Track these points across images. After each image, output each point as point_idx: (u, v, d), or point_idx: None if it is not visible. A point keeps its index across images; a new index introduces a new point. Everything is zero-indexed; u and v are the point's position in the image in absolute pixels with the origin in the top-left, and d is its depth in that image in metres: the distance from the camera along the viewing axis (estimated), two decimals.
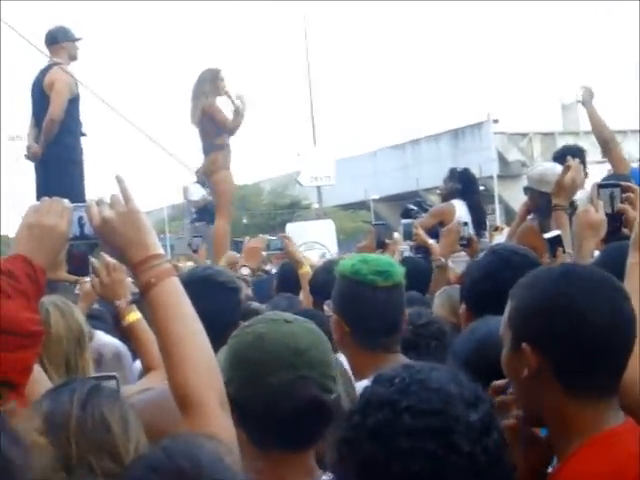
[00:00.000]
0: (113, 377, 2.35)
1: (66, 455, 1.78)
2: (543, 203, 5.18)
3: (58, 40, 8.22)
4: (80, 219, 2.22)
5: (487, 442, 1.62)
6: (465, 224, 6.04)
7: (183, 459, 1.43)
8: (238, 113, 9.76)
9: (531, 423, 2.02)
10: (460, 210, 6.99)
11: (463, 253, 6.51)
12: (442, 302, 4.37)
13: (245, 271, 5.33)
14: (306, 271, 5.56)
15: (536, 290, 2.01)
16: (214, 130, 9.71)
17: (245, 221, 35.42)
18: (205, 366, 2.04)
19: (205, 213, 10.45)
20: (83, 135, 8.39)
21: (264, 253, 6.12)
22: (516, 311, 2.01)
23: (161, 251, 2.14)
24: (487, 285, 3.07)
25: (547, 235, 3.51)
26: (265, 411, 2.11)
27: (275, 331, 2.19)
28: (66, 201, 2.22)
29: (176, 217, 38.30)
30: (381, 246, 5.75)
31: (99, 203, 2.15)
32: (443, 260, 5.48)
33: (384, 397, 1.64)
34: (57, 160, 7.90)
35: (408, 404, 1.60)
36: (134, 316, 3.57)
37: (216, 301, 3.21)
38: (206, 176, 10.01)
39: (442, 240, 5.77)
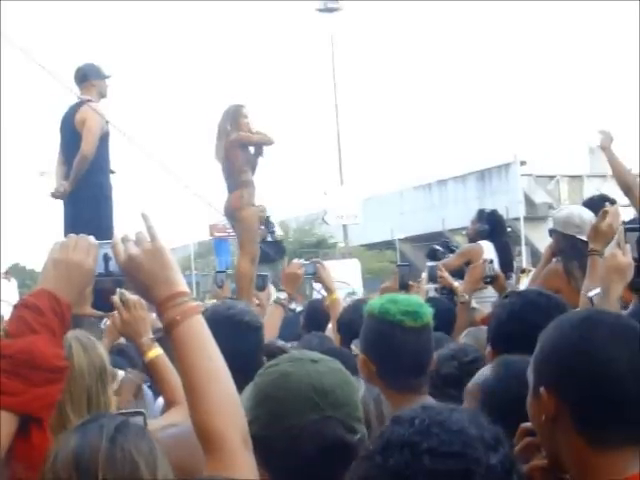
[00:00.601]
0: (140, 413, 2.36)
1: None
2: (567, 246, 5.17)
3: (89, 78, 8.26)
4: (105, 256, 2.23)
5: None
6: (491, 261, 6.02)
7: None
8: (259, 152, 9.78)
9: (555, 468, 2.01)
10: (488, 251, 6.97)
11: (489, 292, 6.49)
12: (469, 342, 4.35)
13: (283, 296, 5.31)
14: (335, 298, 5.57)
15: (556, 334, 2.02)
16: (238, 167, 9.73)
17: None
18: (228, 405, 2.04)
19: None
20: (112, 173, 8.43)
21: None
22: (538, 354, 2.02)
23: (186, 289, 2.15)
24: (513, 327, 3.06)
25: (590, 294, 3.46)
26: (288, 451, 2.10)
27: (301, 370, 2.18)
28: (92, 238, 2.23)
29: (202, 254, 38.44)
30: (404, 287, 5.75)
31: (124, 240, 2.16)
32: (467, 297, 5.47)
33: (404, 438, 1.62)
34: (86, 197, 7.92)
35: (428, 446, 1.59)
36: (155, 352, 3.58)
37: (240, 341, 3.21)
38: (231, 213, 10.02)
39: (467, 276, 5.77)
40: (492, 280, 5.86)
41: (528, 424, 2.06)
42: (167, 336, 2.14)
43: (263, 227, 10.08)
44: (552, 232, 5.57)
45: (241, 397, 2.13)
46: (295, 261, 5.87)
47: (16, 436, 2.02)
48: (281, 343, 4.70)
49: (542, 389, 1.93)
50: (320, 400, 2.12)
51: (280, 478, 2.11)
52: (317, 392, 2.13)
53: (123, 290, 3.72)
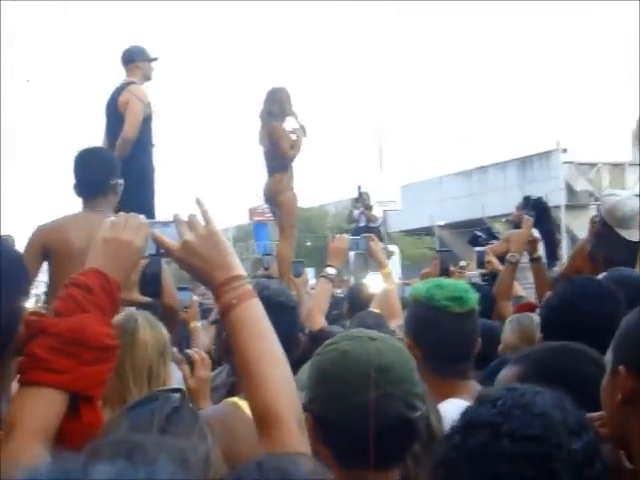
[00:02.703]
0: (179, 390, 2.36)
1: None
2: (603, 233, 5.07)
3: (135, 59, 8.29)
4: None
5: (589, 472, 1.57)
6: (535, 221, 6.03)
7: (277, 476, 1.42)
8: (299, 137, 9.79)
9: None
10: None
11: (531, 281, 6.46)
12: (512, 328, 4.32)
13: (331, 271, 5.29)
14: (388, 272, 5.55)
15: (638, 314, 1.98)
16: (280, 151, 9.74)
17: (309, 243, 35.44)
18: (285, 386, 2.04)
19: None
20: (152, 146, 8.46)
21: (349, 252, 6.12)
22: (619, 334, 1.98)
23: (242, 272, 2.15)
24: (563, 314, 3.04)
25: None
26: (350, 429, 2.12)
27: (359, 348, 2.19)
28: (142, 217, 2.23)
29: (241, 238, 38.54)
30: (445, 273, 5.73)
31: (177, 222, 2.15)
32: (517, 256, 5.46)
33: (485, 419, 1.61)
34: (129, 178, 7.95)
35: (509, 428, 1.57)
36: None
37: (277, 321, 3.19)
38: (271, 196, 10.03)
39: (514, 238, 5.78)
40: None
41: (593, 414, 2.01)
42: (223, 319, 2.15)
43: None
44: (598, 211, 5.47)
45: (298, 377, 2.14)
46: (341, 236, 5.83)
47: (67, 415, 2.03)
48: (329, 328, 4.71)
49: (621, 367, 1.89)
50: (380, 377, 2.13)
51: (342, 456, 2.11)
52: (376, 369, 2.14)
53: (189, 351, 3.82)
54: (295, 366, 3.18)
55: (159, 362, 3.42)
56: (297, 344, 3.25)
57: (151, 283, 4.61)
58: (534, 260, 5.86)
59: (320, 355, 2.27)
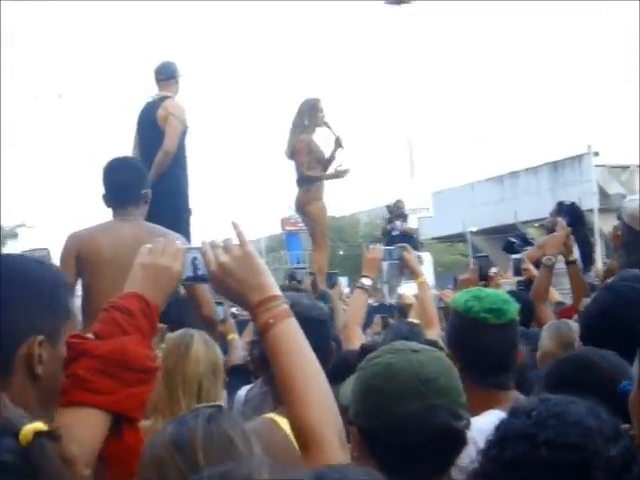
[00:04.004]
0: (218, 406, 2.38)
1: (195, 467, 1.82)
2: (630, 240, 5.00)
3: (175, 75, 8.35)
4: (194, 260, 2.25)
5: (627, 478, 1.58)
6: (569, 225, 6.01)
7: None
8: (338, 144, 9.83)
9: None
10: None
11: (568, 286, 6.42)
12: (550, 335, 4.30)
13: (367, 282, 5.30)
14: (423, 281, 5.55)
15: None
16: (306, 164, 9.79)
17: (341, 252, 35.46)
18: (326, 402, 2.07)
19: None
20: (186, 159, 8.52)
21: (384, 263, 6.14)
22: None
23: (277, 292, 2.18)
24: (603, 321, 3.02)
25: None
26: (396, 441, 2.14)
27: (403, 360, 2.22)
28: (179, 242, 2.28)
29: (273, 248, 38.61)
30: (484, 278, 5.70)
31: (213, 246, 2.18)
32: (553, 259, 5.45)
33: (521, 430, 1.62)
34: (164, 191, 7.99)
35: (546, 437, 1.58)
36: None
37: (309, 336, 3.18)
38: (300, 207, 10.08)
39: (549, 241, 5.76)
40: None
41: (626, 426, 2.01)
42: (261, 339, 2.18)
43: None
44: (619, 219, 5.41)
45: (341, 390, 2.16)
46: (375, 246, 5.84)
47: (109, 436, 2.06)
48: (369, 340, 4.73)
49: None
50: (424, 388, 2.16)
51: (389, 468, 2.12)
52: (421, 381, 2.17)
53: None
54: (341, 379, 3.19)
55: (210, 379, 3.47)
56: (331, 355, 3.27)
57: (176, 309, 4.66)
58: (570, 263, 5.84)
59: (364, 369, 2.30)
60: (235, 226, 2.24)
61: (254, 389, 4.56)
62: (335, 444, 2.01)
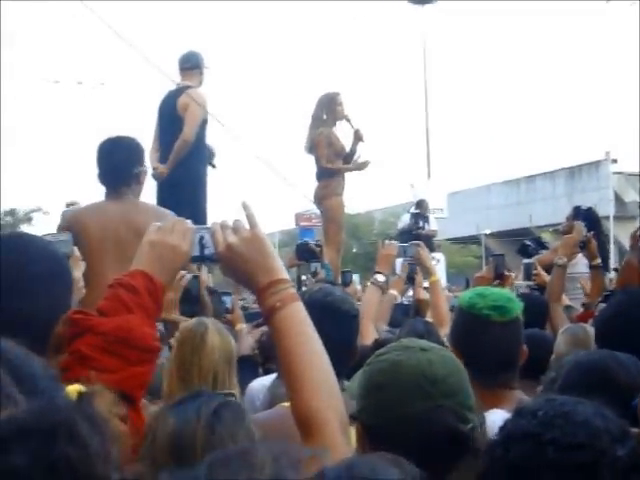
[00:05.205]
0: (231, 394, 2.37)
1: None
2: None
3: (200, 65, 8.36)
4: (201, 239, 2.23)
5: (635, 478, 1.57)
6: (585, 226, 5.99)
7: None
8: (358, 137, 9.80)
9: None
10: None
11: (579, 291, 6.41)
12: (566, 339, 4.29)
13: (381, 278, 5.30)
14: (436, 280, 5.55)
15: None
16: (325, 158, 9.76)
17: (355, 250, 35.41)
18: (329, 389, 2.06)
19: None
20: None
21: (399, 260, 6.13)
22: None
23: (286, 276, 2.17)
24: (618, 324, 3.02)
25: None
26: (400, 440, 2.08)
27: (411, 359, 2.18)
28: (189, 222, 2.25)
29: (287, 243, 38.56)
30: (500, 277, 5.68)
31: (223, 227, 2.17)
32: (564, 259, 5.44)
33: (527, 430, 1.60)
34: (183, 181, 8.01)
35: (552, 437, 1.56)
36: None
37: (336, 329, 3.16)
38: (318, 202, 10.04)
39: (562, 241, 5.76)
40: (584, 245, 5.85)
41: (636, 430, 2.00)
42: (267, 323, 2.16)
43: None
44: None
45: (350, 385, 2.13)
46: (390, 242, 5.84)
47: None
48: (386, 335, 4.72)
49: None
50: (431, 389, 2.12)
51: None
52: (428, 380, 2.13)
53: None
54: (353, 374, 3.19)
55: (225, 369, 3.47)
56: (354, 354, 3.23)
57: (191, 303, 4.68)
58: (593, 267, 5.86)
59: (371, 365, 2.26)
60: (245, 207, 2.22)
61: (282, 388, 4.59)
62: (337, 430, 1.99)
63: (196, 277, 4.92)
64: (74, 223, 5.25)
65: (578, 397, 1.72)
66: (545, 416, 1.61)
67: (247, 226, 2.18)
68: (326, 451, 1.88)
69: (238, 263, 2.16)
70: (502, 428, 1.67)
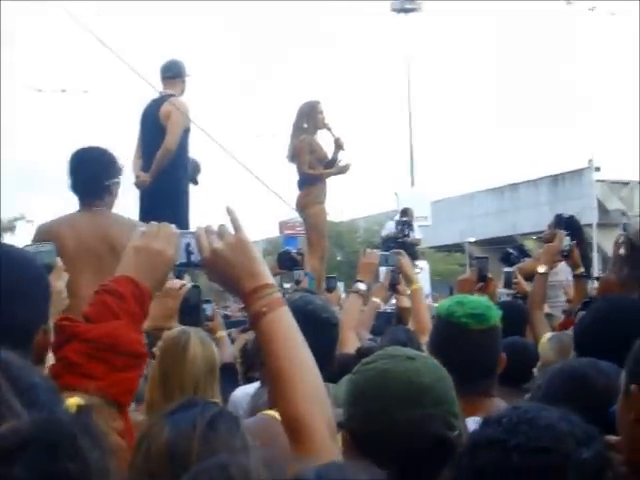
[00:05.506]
0: (220, 408, 2.36)
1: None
2: (635, 255, 5.00)
3: (182, 74, 8.36)
4: (187, 246, 2.23)
5: None
6: (567, 234, 6.01)
7: None
8: (339, 145, 9.82)
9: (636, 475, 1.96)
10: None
11: (561, 299, 6.43)
12: (552, 346, 4.30)
13: (362, 286, 5.31)
14: (417, 288, 5.56)
15: None
16: (306, 165, 9.78)
17: (339, 258, 35.40)
18: (317, 394, 2.06)
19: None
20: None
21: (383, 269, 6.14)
22: (631, 354, 1.98)
23: (271, 280, 2.17)
24: (597, 331, 3.02)
25: None
26: (388, 448, 2.10)
27: (398, 367, 2.20)
28: (173, 226, 2.25)
29: (271, 251, 38.55)
30: (483, 280, 5.69)
31: (208, 232, 2.17)
32: (546, 267, 5.46)
33: (492, 437, 1.61)
34: (165, 190, 8.01)
35: (517, 442, 1.57)
36: None
37: (317, 337, 3.16)
38: (300, 209, 10.06)
39: (544, 249, 5.79)
40: (568, 254, 5.88)
41: (612, 438, 1.99)
42: (253, 327, 2.16)
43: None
44: (625, 236, 5.41)
45: (334, 393, 2.13)
46: (371, 251, 5.85)
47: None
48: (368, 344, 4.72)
49: (633, 386, 1.90)
50: (419, 397, 2.14)
51: None
52: (416, 389, 2.15)
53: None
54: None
55: (206, 379, 3.46)
56: (333, 362, 3.24)
57: (191, 313, 4.67)
58: (577, 277, 5.88)
59: (358, 373, 2.28)
60: (230, 212, 2.21)
61: (264, 398, 4.58)
62: (326, 435, 1.99)
63: (196, 287, 4.90)
64: (48, 235, 5.23)
65: (558, 405, 1.72)
66: (510, 423, 1.62)
67: (232, 231, 2.18)
68: (314, 458, 1.90)
69: (224, 268, 2.15)
70: (469, 437, 1.69)
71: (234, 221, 2.19)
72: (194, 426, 1.90)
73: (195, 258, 2.22)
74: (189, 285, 4.84)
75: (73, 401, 1.30)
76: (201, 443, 1.88)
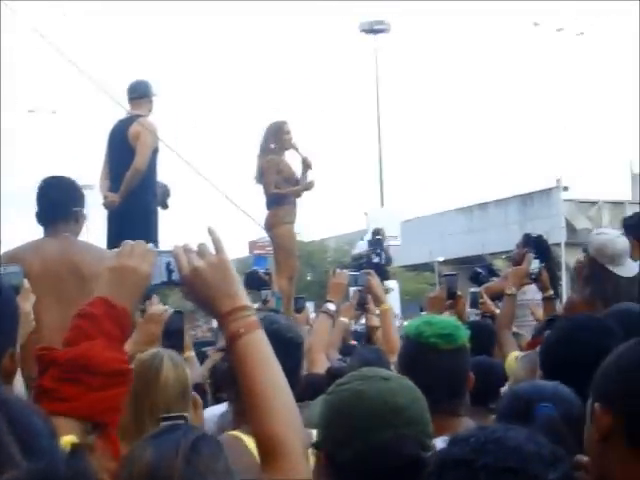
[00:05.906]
0: (183, 417, 2.36)
1: None
2: (595, 273, 5.05)
3: (149, 94, 8.36)
4: (168, 265, 2.24)
5: None
6: (536, 258, 6.05)
7: None
8: (307, 165, 9.83)
9: None
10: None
11: (529, 319, 6.47)
12: (524, 365, 4.31)
13: (331, 307, 5.32)
14: (387, 308, 5.57)
15: (615, 353, 1.99)
16: (274, 185, 9.78)
17: (309, 277, 35.39)
18: (291, 415, 2.08)
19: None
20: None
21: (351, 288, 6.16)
22: (597, 374, 2.00)
23: (248, 302, 2.19)
24: (562, 350, 3.05)
25: None
26: (363, 469, 2.11)
27: (373, 388, 2.21)
28: (149, 244, 2.25)
29: (240, 270, 38.45)
30: (452, 297, 5.71)
31: (187, 251, 2.17)
32: (514, 289, 5.50)
33: (459, 457, 1.61)
34: (133, 212, 7.98)
35: (484, 462, 1.57)
36: None
37: (282, 357, 3.17)
38: (267, 229, 10.06)
39: (512, 271, 5.84)
40: (536, 277, 5.91)
41: (582, 458, 2.00)
42: (229, 348, 2.17)
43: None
44: (585, 253, 5.45)
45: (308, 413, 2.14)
46: (341, 271, 5.86)
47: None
48: (339, 365, 4.72)
49: (596, 404, 1.91)
50: (394, 418, 2.15)
51: None
52: (391, 410, 2.16)
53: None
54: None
55: (178, 403, 3.42)
56: (299, 380, 3.25)
57: (173, 338, 4.65)
58: (546, 299, 5.95)
59: (333, 394, 2.29)
60: (211, 232, 2.22)
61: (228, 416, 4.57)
62: (300, 458, 2.01)
63: (178, 312, 4.88)
64: (13, 261, 5.19)
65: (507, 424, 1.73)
66: (477, 442, 1.62)
67: (213, 251, 2.19)
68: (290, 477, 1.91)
69: (201, 287, 2.17)
70: (437, 456, 1.69)
71: (216, 241, 2.21)
72: (177, 449, 1.88)
73: (175, 276, 2.23)
74: (171, 310, 4.83)
75: (67, 439, 1.32)
76: (184, 466, 1.87)
